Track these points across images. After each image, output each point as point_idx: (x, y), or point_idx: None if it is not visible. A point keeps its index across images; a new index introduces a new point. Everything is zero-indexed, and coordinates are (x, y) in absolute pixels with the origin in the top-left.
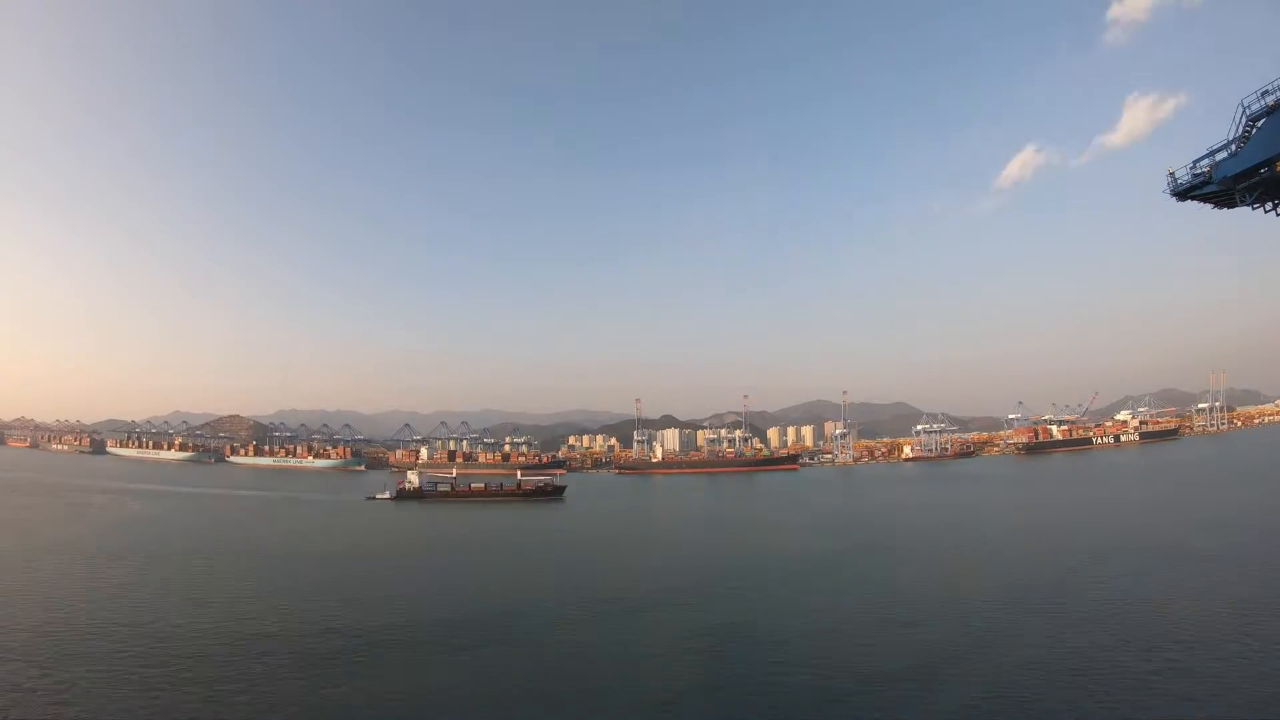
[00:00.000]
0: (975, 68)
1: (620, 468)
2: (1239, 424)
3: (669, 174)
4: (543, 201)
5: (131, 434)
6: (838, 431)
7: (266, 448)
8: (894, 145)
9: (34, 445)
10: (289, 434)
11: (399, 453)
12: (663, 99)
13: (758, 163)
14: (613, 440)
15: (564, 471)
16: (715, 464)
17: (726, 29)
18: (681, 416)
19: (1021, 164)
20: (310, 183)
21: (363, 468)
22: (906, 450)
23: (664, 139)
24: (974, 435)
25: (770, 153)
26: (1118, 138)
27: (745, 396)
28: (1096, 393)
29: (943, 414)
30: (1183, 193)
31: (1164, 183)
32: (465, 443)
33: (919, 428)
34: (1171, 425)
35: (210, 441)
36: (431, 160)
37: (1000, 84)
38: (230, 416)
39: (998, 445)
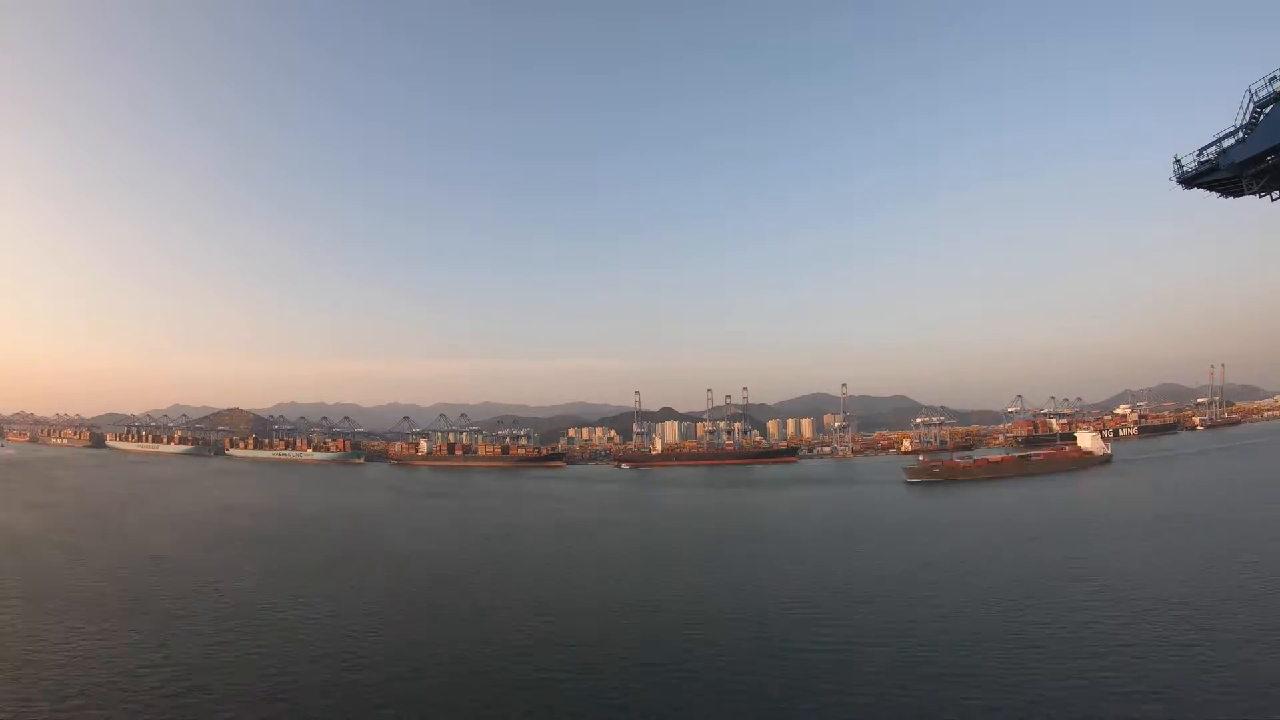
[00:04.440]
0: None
1: (620, 460)
2: (1238, 418)
3: (669, 173)
4: (545, 198)
5: (131, 428)
6: (837, 424)
7: (266, 440)
8: (886, 148)
9: (33, 439)
10: (289, 427)
11: (398, 445)
12: (670, 108)
13: (758, 162)
14: (612, 432)
15: (564, 464)
16: (714, 456)
17: (747, 39)
18: (681, 409)
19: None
20: (313, 181)
21: (362, 460)
22: (906, 444)
23: (661, 144)
24: (973, 428)
25: (771, 154)
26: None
27: (744, 389)
28: None
29: (942, 407)
30: (1188, 180)
31: (1170, 170)
32: (465, 435)
33: (919, 420)
34: (1170, 420)
35: (210, 435)
36: (434, 159)
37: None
38: (229, 410)
39: (997, 438)
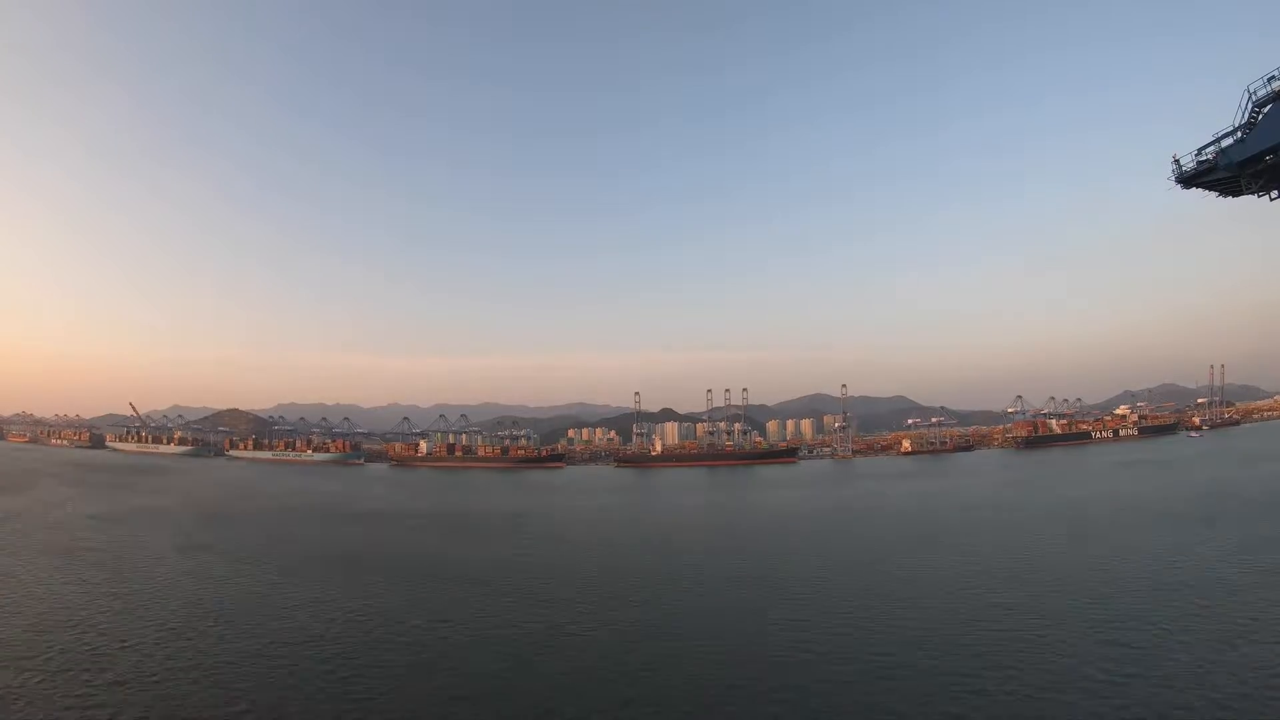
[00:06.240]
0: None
1: (619, 461)
2: (1238, 418)
3: (669, 172)
4: (544, 197)
5: (131, 428)
6: (837, 425)
7: (266, 441)
8: (881, 139)
9: (34, 440)
10: (289, 428)
11: (398, 446)
12: (668, 92)
13: (751, 155)
14: (612, 433)
15: (563, 465)
16: (714, 456)
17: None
18: (681, 410)
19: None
20: (315, 166)
21: (362, 461)
22: (905, 444)
23: (663, 137)
24: (973, 429)
25: (765, 146)
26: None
27: (744, 389)
28: None
29: (941, 407)
30: (1187, 180)
31: (1169, 171)
32: (464, 436)
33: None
34: (1170, 420)
35: (210, 435)
36: (433, 155)
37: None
38: (229, 410)
39: (997, 439)
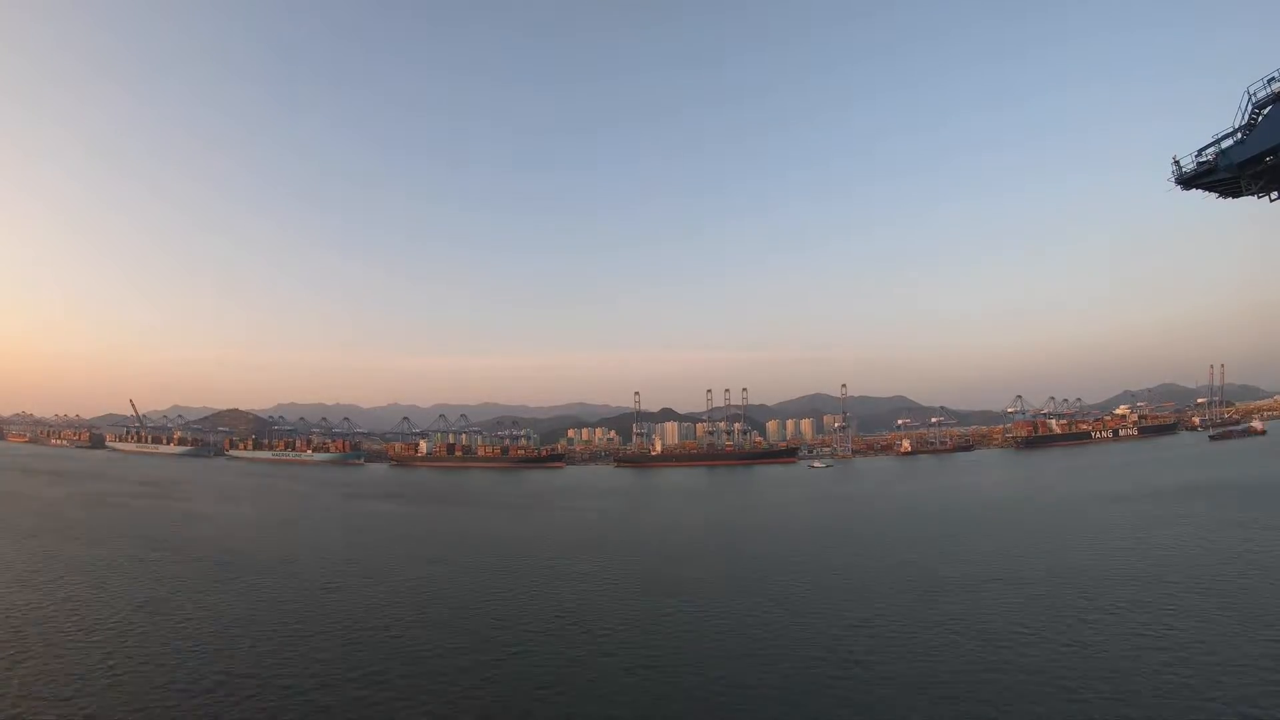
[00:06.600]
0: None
1: (619, 461)
2: (1238, 418)
3: (669, 168)
4: (543, 198)
5: (130, 429)
6: (837, 425)
7: (266, 441)
8: (880, 142)
9: (33, 440)
10: (288, 428)
11: (398, 446)
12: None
13: (747, 150)
14: (612, 433)
15: (563, 465)
16: (714, 456)
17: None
18: (681, 410)
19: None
20: (319, 180)
21: (362, 461)
22: (905, 444)
23: (663, 133)
24: (973, 429)
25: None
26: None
27: (744, 389)
28: None
29: (941, 408)
30: (1187, 181)
31: (1169, 171)
32: (464, 436)
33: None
34: (1170, 420)
35: (210, 435)
36: (433, 153)
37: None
38: (229, 410)
39: (997, 439)
